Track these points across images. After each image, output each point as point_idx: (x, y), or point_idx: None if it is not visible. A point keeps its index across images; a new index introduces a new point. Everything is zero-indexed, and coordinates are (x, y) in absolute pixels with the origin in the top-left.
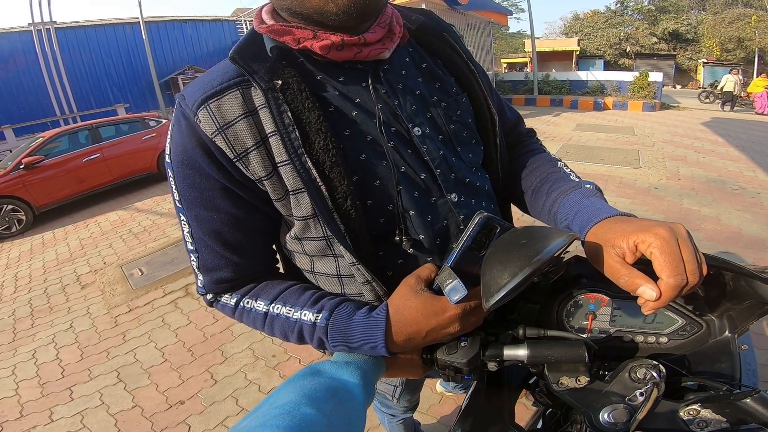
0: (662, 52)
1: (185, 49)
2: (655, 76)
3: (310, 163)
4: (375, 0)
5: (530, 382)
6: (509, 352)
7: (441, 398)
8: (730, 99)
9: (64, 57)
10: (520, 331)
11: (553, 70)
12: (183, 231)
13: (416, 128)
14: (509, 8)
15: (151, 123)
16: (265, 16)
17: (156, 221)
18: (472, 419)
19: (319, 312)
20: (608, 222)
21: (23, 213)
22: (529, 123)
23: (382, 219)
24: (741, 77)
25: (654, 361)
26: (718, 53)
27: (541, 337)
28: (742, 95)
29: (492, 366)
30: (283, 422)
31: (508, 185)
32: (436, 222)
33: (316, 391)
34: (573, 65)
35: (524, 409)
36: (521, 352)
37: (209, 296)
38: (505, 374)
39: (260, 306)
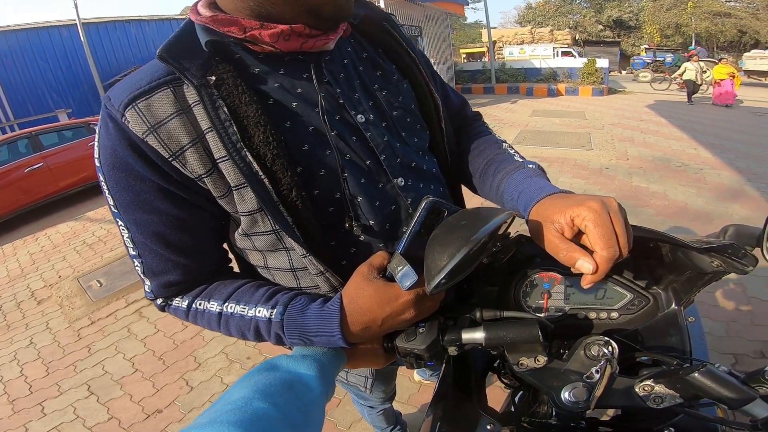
0: (608, 39)
1: (130, 50)
2: (602, 63)
3: (250, 157)
4: (349, 10)
5: (495, 365)
6: (467, 336)
7: (420, 387)
8: (691, 88)
9: None
10: (478, 314)
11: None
12: (123, 236)
13: (359, 115)
14: None
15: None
16: (203, 9)
17: (111, 230)
18: (443, 405)
19: (273, 307)
20: (548, 199)
21: None
22: (488, 111)
23: (330, 208)
24: (702, 64)
25: (606, 338)
26: (659, 39)
27: (498, 319)
28: (703, 83)
29: (452, 350)
30: (233, 417)
31: (457, 168)
32: (385, 207)
33: (270, 386)
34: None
35: (502, 392)
36: (478, 335)
37: (159, 301)
38: (470, 358)
39: (213, 306)
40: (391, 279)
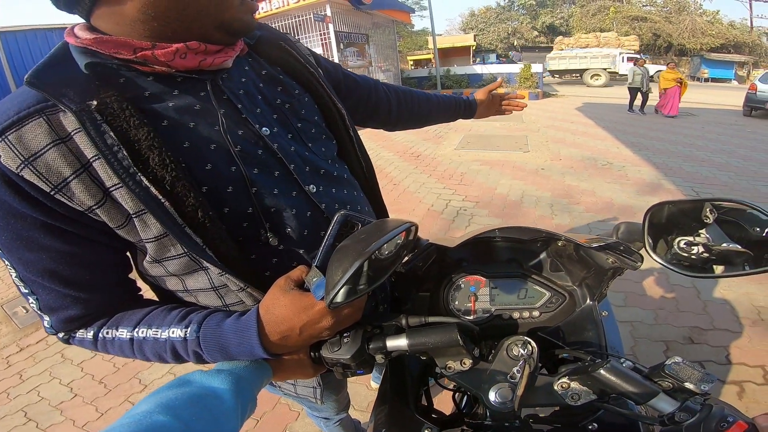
0: (542, 45)
1: None
2: (536, 68)
3: (146, 182)
4: (253, 26)
5: (436, 369)
6: (391, 343)
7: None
8: (635, 96)
9: None
10: (403, 321)
11: (456, 66)
12: (11, 275)
13: (264, 128)
14: (412, 6)
15: None
16: (81, 33)
17: None
18: (384, 412)
19: (187, 327)
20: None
21: None
22: None
23: (244, 223)
24: (647, 69)
25: (525, 337)
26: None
27: (423, 325)
28: (649, 89)
29: (379, 358)
30: (129, 429)
31: (372, 171)
32: (301, 214)
33: (176, 400)
34: (471, 60)
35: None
36: (402, 342)
37: (61, 335)
38: (405, 364)
39: (123, 333)
40: (308, 290)
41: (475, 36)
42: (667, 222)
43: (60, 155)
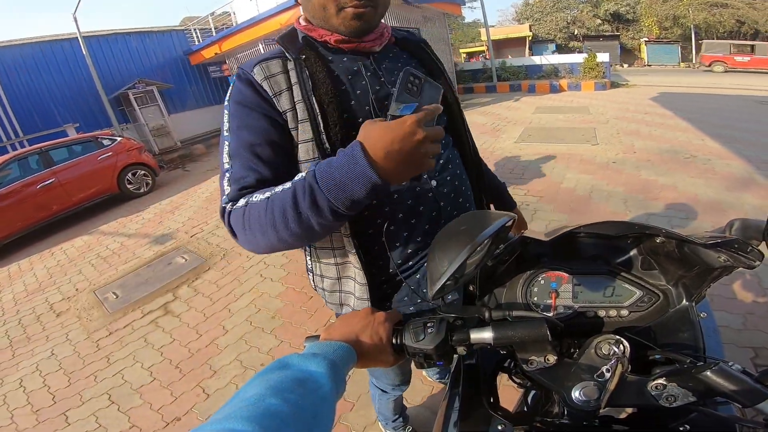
0: (607, 33)
1: (132, 62)
2: (602, 57)
3: (314, 101)
4: (369, 28)
5: (506, 364)
6: (475, 335)
7: (432, 388)
8: None
9: (1, 78)
10: (486, 314)
11: (510, 56)
12: (222, 155)
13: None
14: None
15: (105, 142)
16: (302, 21)
17: (124, 243)
18: (454, 405)
19: (306, 171)
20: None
21: None
22: (491, 109)
23: None
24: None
25: (617, 336)
26: (657, 32)
27: (506, 319)
28: None
29: (461, 350)
30: (247, 413)
31: (480, 161)
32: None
33: (282, 383)
34: (527, 51)
35: (515, 392)
36: (487, 335)
37: (229, 205)
38: (478, 358)
39: (264, 194)
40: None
41: (530, 26)
42: None
43: (282, 79)
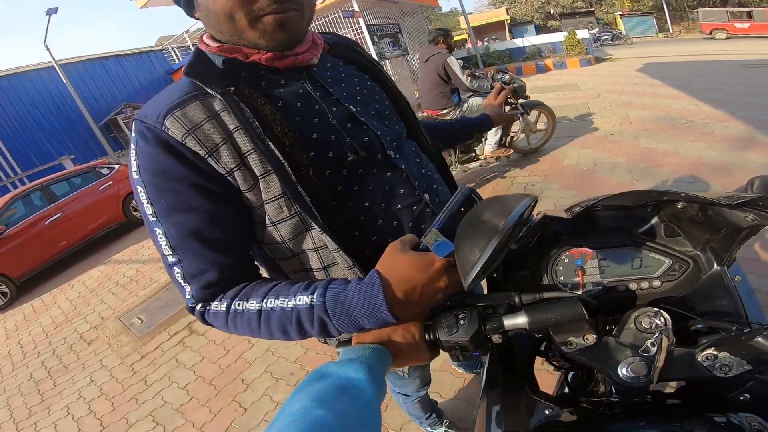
0: (582, 10)
1: (115, 86)
2: (582, 33)
3: (272, 146)
4: (297, 38)
5: (541, 348)
6: (509, 322)
7: (464, 380)
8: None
9: None
10: (516, 299)
11: (496, 40)
12: (161, 246)
13: (351, 106)
14: None
15: (104, 171)
16: (209, 40)
17: (140, 269)
18: (495, 393)
19: (312, 293)
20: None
21: (5, 285)
22: None
23: (338, 187)
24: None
25: (655, 308)
26: (630, 4)
27: (537, 301)
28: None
29: (496, 338)
30: (296, 428)
31: (439, 150)
32: (380, 169)
33: (325, 392)
34: (507, 34)
35: (549, 376)
36: (521, 320)
37: (199, 306)
38: (514, 345)
39: (252, 305)
40: (424, 251)
41: (507, 9)
42: None
43: (212, 127)
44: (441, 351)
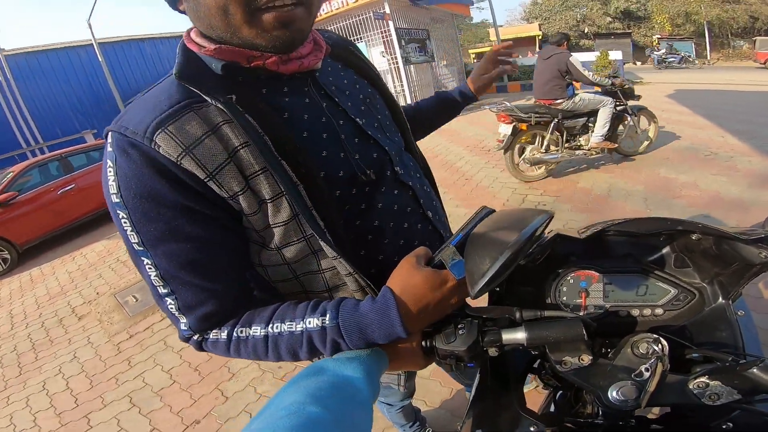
0: (618, 31)
1: (147, 68)
2: (615, 55)
3: (286, 165)
4: (301, 38)
5: (535, 365)
6: (508, 336)
7: (451, 390)
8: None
9: (19, 85)
10: (517, 314)
11: (519, 57)
12: (149, 277)
13: (358, 119)
14: None
15: None
16: (199, 39)
17: None
18: (483, 406)
19: (323, 315)
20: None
21: (6, 252)
22: None
23: (346, 206)
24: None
25: (654, 335)
26: (670, 28)
27: (538, 319)
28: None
29: (492, 351)
30: (289, 422)
31: (427, 164)
32: (390, 186)
33: (321, 389)
34: (537, 50)
35: (536, 394)
36: (520, 335)
37: (196, 337)
38: (508, 360)
39: (257, 331)
40: (438, 267)
41: (540, 25)
42: None
43: (214, 144)
44: (436, 359)
